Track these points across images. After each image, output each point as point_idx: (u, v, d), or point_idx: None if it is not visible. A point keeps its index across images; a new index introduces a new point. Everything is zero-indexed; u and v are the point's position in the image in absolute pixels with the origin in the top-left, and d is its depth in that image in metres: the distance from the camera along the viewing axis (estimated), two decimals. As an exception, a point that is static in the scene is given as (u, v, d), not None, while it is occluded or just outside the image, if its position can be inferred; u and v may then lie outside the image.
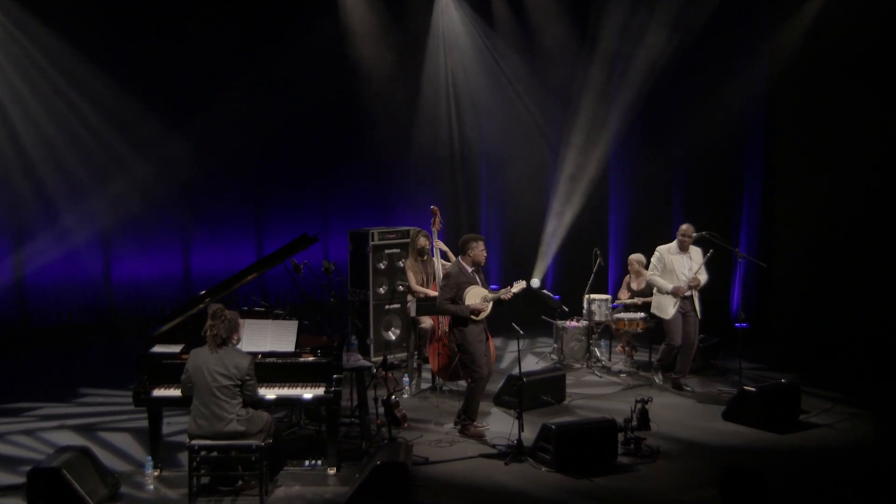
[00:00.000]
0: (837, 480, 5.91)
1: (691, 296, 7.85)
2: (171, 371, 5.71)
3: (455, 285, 6.61)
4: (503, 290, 6.72)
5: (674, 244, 7.94)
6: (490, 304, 6.65)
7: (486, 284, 6.85)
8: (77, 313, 10.33)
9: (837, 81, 9.35)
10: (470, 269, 6.72)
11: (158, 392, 5.78)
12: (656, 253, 8.01)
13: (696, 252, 7.95)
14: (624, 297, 9.10)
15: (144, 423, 6.00)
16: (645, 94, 10.64)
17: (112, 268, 10.53)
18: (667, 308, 7.85)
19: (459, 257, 6.78)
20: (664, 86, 10.51)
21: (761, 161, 10.16)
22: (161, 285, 10.67)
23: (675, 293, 7.79)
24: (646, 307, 8.66)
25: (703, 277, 7.92)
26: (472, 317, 6.59)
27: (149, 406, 5.84)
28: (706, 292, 8.09)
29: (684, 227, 7.93)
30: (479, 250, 6.65)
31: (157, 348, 5.98)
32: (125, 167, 10.28)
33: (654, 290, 8.06)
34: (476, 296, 6.64)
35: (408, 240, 8.89)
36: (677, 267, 7.86)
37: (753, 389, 7.04)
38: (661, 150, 10.87)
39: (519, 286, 6.76)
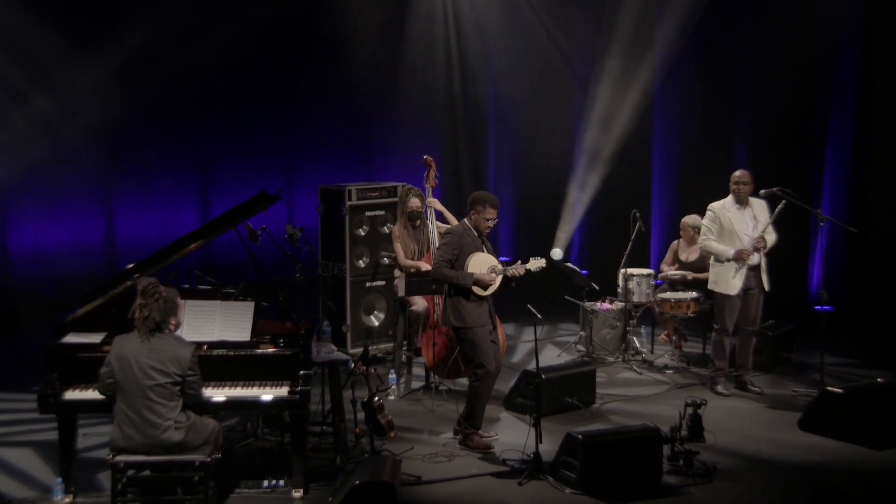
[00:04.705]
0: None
1: (759, 264, 7.80)
2: (88, 367, 5.65)
3: (457, 247, 6.61)
4: (514, 266, 6.66)
5: (729, 199, 7.90)
6: (499, 279, 6.61)
7: (494, 254, 6.81)
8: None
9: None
10: (476, 233, 6.69)
11: (72, 394, 5.72)
12: (708, 212, 7.99)
13: (759, 206, 7.89)
14: (668, 269, 9.05)
15: (53, 435, 5.97)
16: (701, 8, 10.54)
17: (9, 234, 10.45)
18: (728, 280, 7.82)
19: (465, 218, 6.73)
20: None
21: (852, 94, 10.06)
22: (75, 256, 10.60)
23: (737, 258, 7.75)
24: (698, 284, 8.62)
25: (772, 237, 7.85)
26: (476, 289, 6.54)
27: (59, 412, 5.79)
28: (776, 265, 8.00)
29: (738, 173, 7.89)
30: (485, 217, 6.62)
31: (71, 338, 5.95)
32: (24, 103, 10.14)
33: (711, 261, 8.02)
34: (482, 264, 6.59)
35: (395, 199, 8.84)
36: (737, 226, 7.81)
37: (840, 391, 7.01)
38: (720, 82, 10.83)
39: (537, 264, 6.71)
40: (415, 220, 8.25)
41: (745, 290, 7.84)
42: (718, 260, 7.89)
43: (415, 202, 8.21)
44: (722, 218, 7.86)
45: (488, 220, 6.63)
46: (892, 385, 7.19)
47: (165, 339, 5.37)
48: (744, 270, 7.77)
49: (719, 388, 7.93)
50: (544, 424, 6.39)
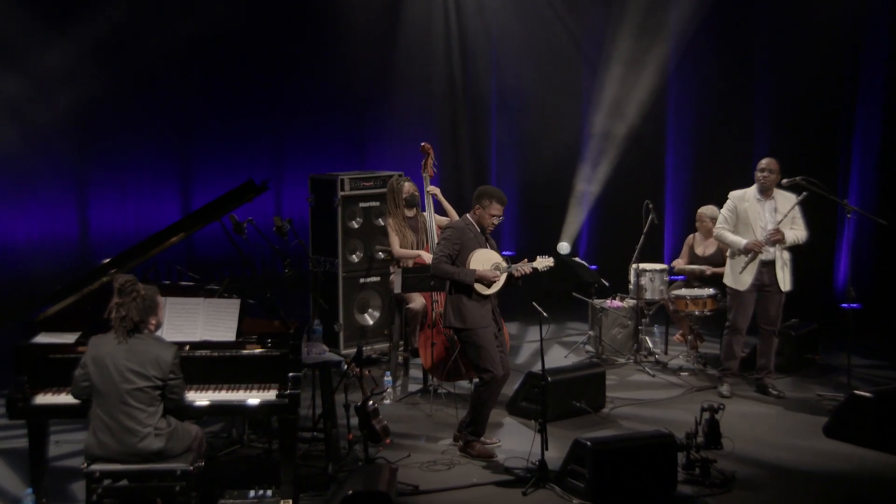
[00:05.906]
0: None
1: (773, 260, 7.77)
2: (61, 369, 5.63)
3: (458, 241, 6.60)
4: (519, 264, 6.66)
5: (752, 188, 7.91)
6: (503, 276, 6.59)
7: (498, 250, 6.80)
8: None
9: None
10: (479, 229, 6.68)
11: (44, 398, 5.70)
12: (728, 201, 8.00)
13: (784, 199, 7.88)
14: (683, 264, 9.04)
15: (23, 443, 5.95)
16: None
17: (-25, 227, 10.45)
18: (736, 275, 7.83)
19: (468, 213, 6.72)
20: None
21: (882, 75, 10.07)
22: (47, 251, 10.61)
23: (746, 250, 7.75)
24: (716, 280, 8.61)
25: (799, 234, 7.83)
26: (479, 287, 6.53)
27: (30, 418, 5.75)
28: (799, 258, 7.99)
29: (764, 161, 7.89)
30: (490, 212, 6.61)
31: (42, 338, 5.94)
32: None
33: (728, 253, 8.01)
34: (485, 261, 6.58)
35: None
36: (754, 218, 7.82)
37: (868, 395, 6.99)
38: (739, 63, 10.86)
39: (545, 263, 6.69)
40: (410, 209, 8.24)
41: (760, 288, 7.83)
42: (732, 253, 7.90)
43: (408, 188, 8.23)
44: (739, 208, 7.86)
45: (493, 216, 6.62)
46: (924, 388, 7.20)
47: (145, 340, 5.34)
48: (754, 265, 7.76)
49: (722, 388, 7.93)
50: (550, 430, 6.40)
